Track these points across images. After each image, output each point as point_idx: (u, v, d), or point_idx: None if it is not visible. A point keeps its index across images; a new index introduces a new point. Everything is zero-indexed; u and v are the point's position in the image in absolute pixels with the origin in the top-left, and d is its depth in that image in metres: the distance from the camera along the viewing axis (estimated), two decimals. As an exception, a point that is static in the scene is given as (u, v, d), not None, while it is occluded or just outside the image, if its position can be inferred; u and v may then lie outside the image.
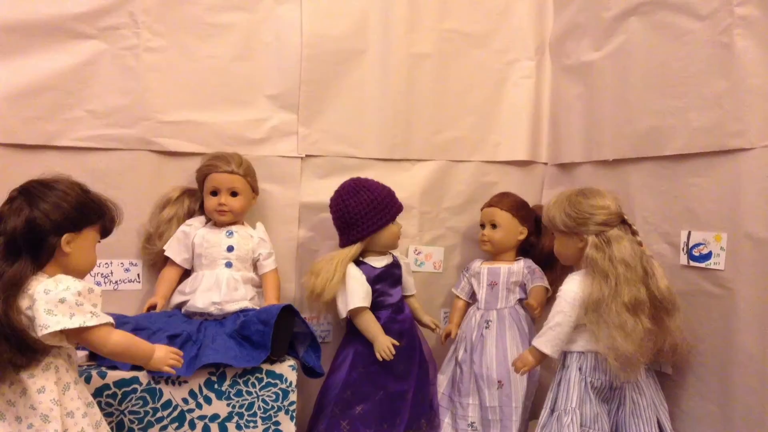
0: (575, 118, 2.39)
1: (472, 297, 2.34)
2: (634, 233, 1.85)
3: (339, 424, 2.03)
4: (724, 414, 1.80)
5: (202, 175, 2.07)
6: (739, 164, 1.76)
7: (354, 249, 2.11)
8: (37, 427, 1.35)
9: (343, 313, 2.06)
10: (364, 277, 2.08)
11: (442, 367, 2.33)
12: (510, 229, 2.25)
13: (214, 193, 2.04)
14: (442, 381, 2.29)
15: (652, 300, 1.78)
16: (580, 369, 1.84)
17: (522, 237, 2.28)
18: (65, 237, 1.41)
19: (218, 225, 2.07)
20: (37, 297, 1.34)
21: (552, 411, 1.87)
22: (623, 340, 1.71)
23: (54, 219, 1.39)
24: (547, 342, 1.83)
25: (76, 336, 1.39)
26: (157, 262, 2.08)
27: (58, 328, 1.33)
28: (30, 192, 1.41)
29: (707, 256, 1.84)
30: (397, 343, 2.03)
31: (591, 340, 1.83)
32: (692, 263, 1.89)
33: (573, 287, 1.84)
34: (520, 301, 2.25)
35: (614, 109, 2.17)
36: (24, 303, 1.36)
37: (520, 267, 2.25)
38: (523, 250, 2.35)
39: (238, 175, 2.04)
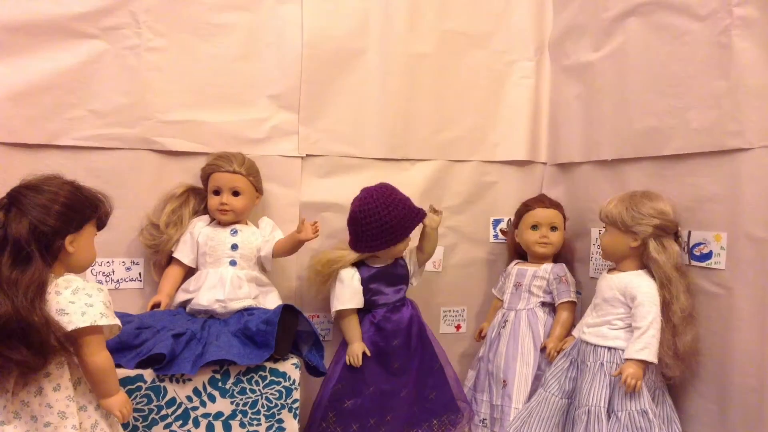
0: (574, 118, 2.40)
1: None
2: (680, 244, 1.89)
3: (327, 415, 2.06)
4: (722, 413, 1.81)
5: (205, 175, 2.09)
6: (738, 164, 1.77)
7: (361, 256, 2.13)
8: (55, 424, 1.36)
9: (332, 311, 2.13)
10: (356, 277, 2.10)
11: (473, 363, 2.36)
12: (563, 233, 2.28)
13: (217, 192, 2.05)
14: (471, 377, 2.33)
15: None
16: (602, 364, 1.86)
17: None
18: (68, 238, 1.43)
19: (222, 224, 2.08)
20: (64, 295, 1.37)
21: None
22: (682, 338, 1.81)
23: (52, 224, 1.39)
24: (654, 351, 1.79)
25: (90, 332, 1.40)
26: (157, 252, 2.07)
27: (89, 323, 1.36)
28: (19, 199, 1.39)
29: (708, 256, 1.86)
30: (368, 354, 2.07)
31: (625, 338, 1.86)
32: (693, 263, 1.90)
33: (651, 289, 1.85)
34: (544, 304, 2.24)
35: (613, 109, 2.19)
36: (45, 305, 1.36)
37: (547, 271, 2.23)
38: None
39: (240, 174, 2.05)
